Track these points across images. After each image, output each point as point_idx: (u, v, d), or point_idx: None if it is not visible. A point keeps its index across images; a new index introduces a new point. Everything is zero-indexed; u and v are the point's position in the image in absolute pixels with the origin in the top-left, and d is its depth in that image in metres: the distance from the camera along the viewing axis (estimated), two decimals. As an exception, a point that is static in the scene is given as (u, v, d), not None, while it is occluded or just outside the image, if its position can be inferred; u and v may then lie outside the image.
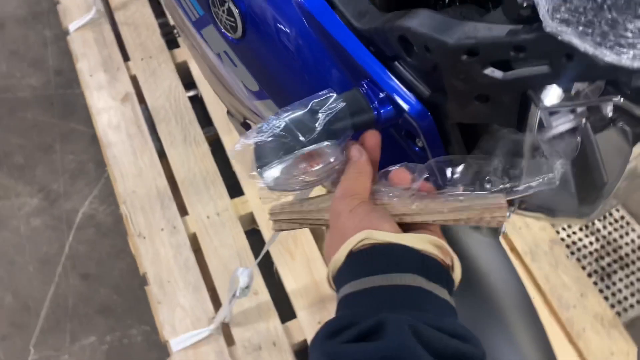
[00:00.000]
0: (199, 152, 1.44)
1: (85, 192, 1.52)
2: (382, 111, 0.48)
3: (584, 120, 0.46)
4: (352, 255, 0.42)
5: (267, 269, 1.32)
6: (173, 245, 1.31)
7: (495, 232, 0.89)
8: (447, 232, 0.83)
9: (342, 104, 0.47)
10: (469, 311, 0.80)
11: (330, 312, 1.24)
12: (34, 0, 1.82)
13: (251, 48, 0.57)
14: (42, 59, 1.72)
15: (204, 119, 1.53)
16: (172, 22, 1.59)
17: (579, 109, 0.45)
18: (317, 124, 0.46)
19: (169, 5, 0.80)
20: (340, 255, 0.43)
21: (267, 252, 1.35)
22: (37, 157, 1.56)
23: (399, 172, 0.47)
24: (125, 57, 1.58)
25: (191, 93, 1.57)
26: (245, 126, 0.87)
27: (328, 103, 0.47)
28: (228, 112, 1.15)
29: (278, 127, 0.46)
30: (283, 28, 0.52)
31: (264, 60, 0.57)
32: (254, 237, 1.35)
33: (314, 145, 0.46)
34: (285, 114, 0.47)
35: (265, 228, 1.35)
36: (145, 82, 1.54)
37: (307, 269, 1.30)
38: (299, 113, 0.47)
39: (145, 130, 1.47)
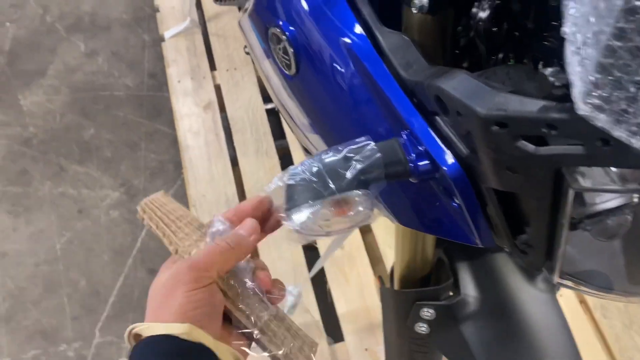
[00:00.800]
0: (269, 164, 1.48)
1: (162, 191, 1.60)
2: (418, 164, 0.47)
3: (636, 197, 0.42)
4: (164, 336, 0.42)
5: (321, 287, 1.32)
6: (233, 252, 1.35)
7: (553, 287, 0.84)
8: (500, 283, 0.79)
9: (377, 155, 0.46)
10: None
11: (378, 339, 1.23)
12: (138, 6, 1.96)
13: (303, 86, 0.58)
14: (139, 61, 1.85)
15: (278, 131, 1.57)
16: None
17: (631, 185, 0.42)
18: (348, 172, 0.46)
19: (243, 27, 0.83)
20: (154, 330, 0.42)
21: (323, 271, 1.36)
22: (123, 153, 1.67)
23: (272, 281, 0.49)
24: (212, 67, 1.66)
25: (269, 106, 1.61)
26: (306, 150, 0.88)
27: (364, 151, 0.47)
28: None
29: (310, 170, 0.47)
30: (332, 71, 0.53)
31: (313, 98, 0.57)
32: (312, 253, 1.36)
33: (343, 193, 0.46)
34: (320, 158, 0.47)
35: (323, 247, 1.36)
36: (227, 92, 1.60)
37: (359, 294, 1.29)
38: (333, 159, 0.47)
39: (222, 138, 1.53)
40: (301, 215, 0.47)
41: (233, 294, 0.46)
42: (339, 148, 0.48)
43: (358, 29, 0.51)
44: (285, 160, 1.50)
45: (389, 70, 0.49)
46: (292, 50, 0.55)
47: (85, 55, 1.87)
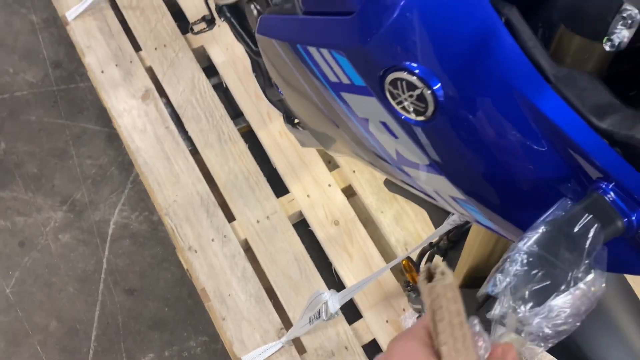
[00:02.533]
0: (236, 151, 1.35)
1: (112, 200, 1.42)
2: (633, 218, 0.43)
3: None
4: None
5: (327, 270, 1.28)
6: (227, 256, 1.25)
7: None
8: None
9: (595, 224, 0.42)
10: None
11: (395, 309, 1.23)
12: (11, -20, 1.61)
13: (435, 133, 0.50)
14: (34, 49, 1.55)
15: (232, 110, 1.43)
16: (190, 15, 1.43)
17: None
18: (579, 253, 0.41)
19: (266, 50, 0.70)
20: None
21: (324, 253, 1.31)
22: (52, 164, 1.43)
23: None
24: (136, 47, 1.43)
25: (213, 81, 1.45)
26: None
27: (580, 221, 0.42)
28: (288, 121, 1.07)
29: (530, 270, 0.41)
30: (494, 123, 0.46)
31: (452, 146, 0.50)
32: (309, 238, 1.30)
33: (580, 283, 0.41)
34: (532, 246, 0.42)
35: (318, 228, 1.30)
36: (164, 75, 1.40)
37: (366, 268, 1.27)
38: (549, 241, 0.42)
39: (174, 130, 1.36)
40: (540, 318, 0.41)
41: None
42: (547, 224, 0.42)
43: (529, 72, 0.44)
44: (252, 141, 1.38)
45: (577, 115, 0.43)
46: (434, 99, 0.47)
47: (-40, 51, 1.52)
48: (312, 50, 0.58)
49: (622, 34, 0.42)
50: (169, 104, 1.40)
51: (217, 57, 1.44)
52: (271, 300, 1.23)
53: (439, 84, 0.47)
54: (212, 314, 1.21)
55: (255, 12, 0.87)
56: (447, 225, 0.75)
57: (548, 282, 0.40)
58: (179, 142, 1.35)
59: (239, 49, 1.43)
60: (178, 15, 1.48)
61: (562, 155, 0.45)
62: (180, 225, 1.27)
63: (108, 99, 1.36)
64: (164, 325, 1.32)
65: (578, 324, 0.42)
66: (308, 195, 1.32)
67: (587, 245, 0.42)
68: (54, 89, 1.51)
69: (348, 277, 1.26)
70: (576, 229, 0.42)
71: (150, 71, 1.42)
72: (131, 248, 1.38)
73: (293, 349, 1.19)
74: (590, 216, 0.42)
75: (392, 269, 1.26)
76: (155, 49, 1.43)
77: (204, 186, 1.31)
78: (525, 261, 0.41)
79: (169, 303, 1.34)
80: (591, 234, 0.42)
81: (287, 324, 1.20)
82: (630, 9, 0.40)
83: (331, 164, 1.38)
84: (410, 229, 1.31)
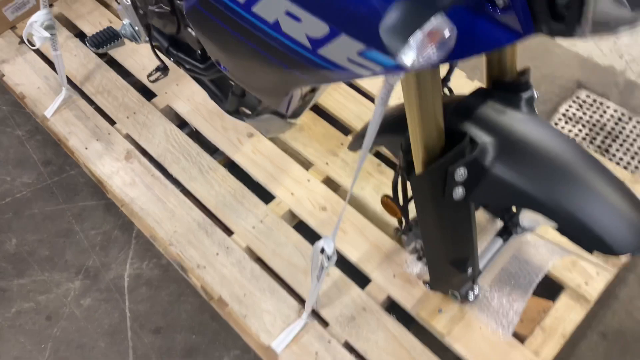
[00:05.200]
0: (218, 176, 1.49)
1: (122, 258, 1.52)
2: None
3: None
4: None
5: (327, 250, 1.37)
6: (234, 263, 1.35)
7: (532, 107, 0.99)
8: (500, 121, 0.92)
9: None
10: (541, 180, 0.87)
11: (397, 263, 1.31)
12: (-7, 108, 1.82)
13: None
14: (25, 157, 1.72)
15: (209, 148, 1.58)
16: (152, 88, 1.64)
17: None
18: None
19: (198, 23, 0.87)
20: None
21: (318, 237, 1.40)
22: (60, 244, 1.55)
23: None
24: (110, 121, 1.62)
25: (186, 130, 1.62)
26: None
27: None
28: (251, 115, 1.22)
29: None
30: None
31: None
32: (306, 229, 1.40)
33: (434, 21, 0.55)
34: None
35: (309, 217, 1.41)
36: (140, 135, 1.58)
37: (362, 237, 1.37)
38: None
39: (160, 175, 1.50)
40: (412, 53, 0.55)
41: None
42: None
43: None
44: (233, 168, 1.52)
45: None
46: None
47: (-39, 176, 1.69)
48: None
49: None
50: (151, 158, 1.55)
51: (182, 109, 1.62)
52: (285, 289, 1.31)
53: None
54: (233, 315, 1.28)
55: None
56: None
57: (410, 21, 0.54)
58: (167, 184, 1.49)
59: (199, 97, 1.62)
60: (141, 90, 1.68)
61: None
62: (185, 249, 1.37)
63: (96, 168, 1.52)
64: (196, 351, 1.38)
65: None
66: (292, 194, 1.45)
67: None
68: (49, 182, 1.67)
69: (348, 249, 1.35)
70: None
71: (127, 137, 1.59)
72: (149, 293, 1.46)
73: (316, 323, 1.25)
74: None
75: (384, 229, 1.36)
76: (127, 117, 1.61)
77: (197, 213, 1.43)
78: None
79: (196, 330, 1.40)
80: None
81: (304, 305, 1.27)
82: None
83: (305, 165, 1.52)
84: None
